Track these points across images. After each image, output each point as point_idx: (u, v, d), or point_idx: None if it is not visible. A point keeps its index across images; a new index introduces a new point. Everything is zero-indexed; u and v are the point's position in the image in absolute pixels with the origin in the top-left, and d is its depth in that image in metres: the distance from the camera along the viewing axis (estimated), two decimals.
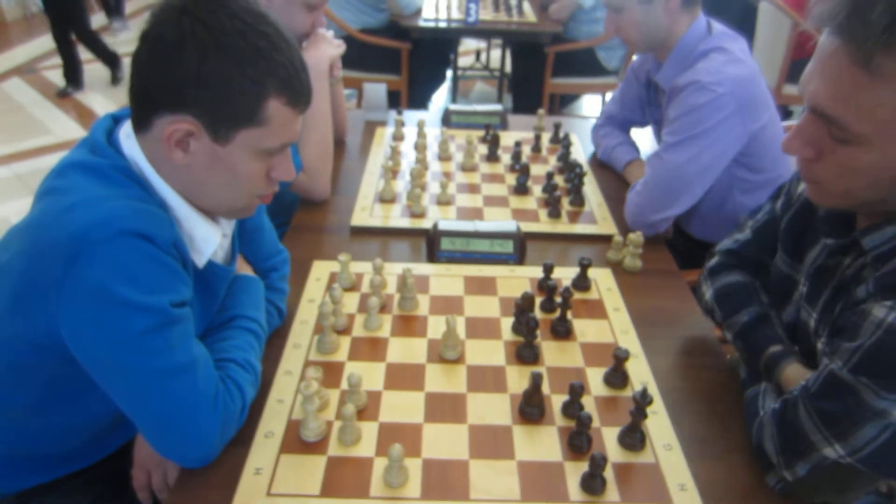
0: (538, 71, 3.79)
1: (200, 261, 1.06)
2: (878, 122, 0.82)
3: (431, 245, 1.53)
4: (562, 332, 1.30)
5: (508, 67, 4.57)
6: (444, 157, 2.00)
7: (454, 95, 4.70)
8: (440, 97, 4.83)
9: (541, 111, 2.23)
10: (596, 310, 1.39)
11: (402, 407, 1.12)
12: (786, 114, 4.10)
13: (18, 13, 6.51)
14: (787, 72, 3.68)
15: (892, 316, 0.82)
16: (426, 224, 1.64)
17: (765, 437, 0.99)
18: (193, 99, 0.92)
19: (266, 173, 1.02)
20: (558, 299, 1.31)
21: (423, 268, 1.49)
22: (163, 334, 0.92)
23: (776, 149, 1.65)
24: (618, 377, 1.18)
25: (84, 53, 4.83)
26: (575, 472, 1.01)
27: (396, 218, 1.69)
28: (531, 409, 1.11)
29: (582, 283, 1.44)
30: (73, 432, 1.14)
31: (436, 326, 1.30)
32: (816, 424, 0.90)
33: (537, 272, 1.46)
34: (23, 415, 1.09)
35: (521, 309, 1.29)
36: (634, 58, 2.03)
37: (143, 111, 0.96)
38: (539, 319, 1.26)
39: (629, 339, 1.30)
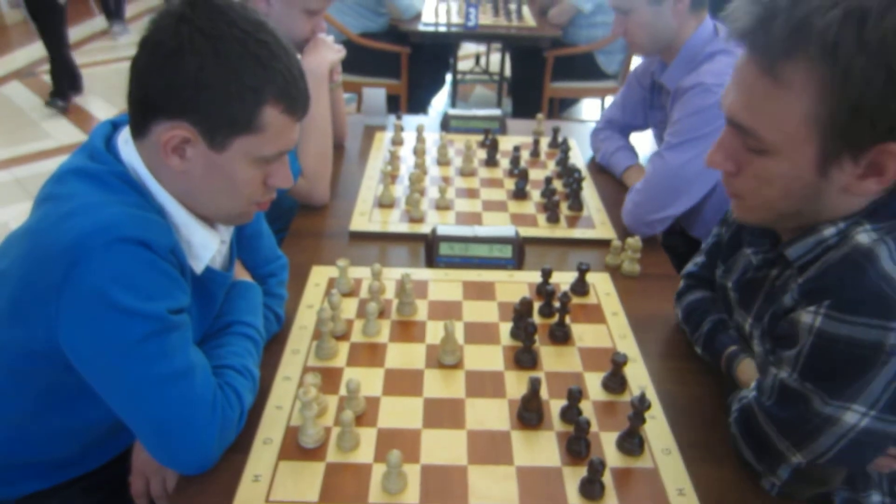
0: (538, 75, 3.79)
1: (198, 267, 1.06)
2: (786, 130, 0.86)
3: (430, 250, 1.53)
4: (560, 336, 1.30)
5: (508, 71, 4.58)
6: (443, 161, 2.01)
7: (454, 99, 4.70)
8: (440, 101, 4.83)
9: (539, 116, 2.23)
10: (594, 314, 1.39)
11: (401, 413, 1.12)
12: None
13: (18, 17, 6.51)
14: None
15: (819, 320, 0.86)
16: (425, 229, 1.64)
17: (740, 448, 1.02)
18: (190, 106, 0.92)
19: (263, 180, 1.02)
20: (557, 304, 1.31)
21: (421, 273, 1.49)
22: (161, 341, 0.92)
23: None
24: (616, 382, 1.18)
25: (81, 57, 4.78)
26: (573, 477, 1.01)
27: (395, 223, 1.69)
28: (530, 414, 1.11)
29: (580, 287, 1.44)
30: (72, 438, 1.14)
31: (434, 332, 1.30)
32: (776, 433, 0.94)
33: (536, 277, 1.46)
34: (22, 421, 1.09)
35: (520, 314, 1.29)
36: (637, 62, 2.03)
37: (140, 117, 0.96)
38: (537, 324, 1.27)
39: (627, 344, 1.30)
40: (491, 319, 1.36)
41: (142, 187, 1.00)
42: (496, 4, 4.01)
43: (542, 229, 1.69)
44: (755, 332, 1.06)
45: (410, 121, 2.30)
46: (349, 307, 1.37)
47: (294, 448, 1.04)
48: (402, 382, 1.18)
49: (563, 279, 1.47)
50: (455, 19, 3.75)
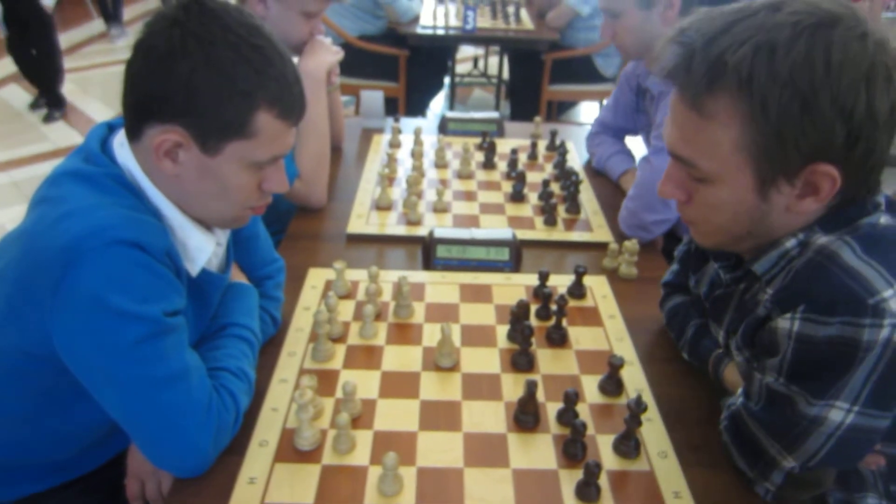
0: (536, 78, 3.80)
1: (194, 269, 1.06)
2: (720, 158, 0.91)
3: (427, 252, 1.53)
4: (557, 339, 1.30)
5: (506, 74, 4.59)
6: (440, 164, 2.01)
7: (452, 102, 4.70)
8: (438, 104, 4.83)
9: (537, 119, 2.23)
10: (591, 317, 1.39)
11: (397, 415, 1.12)
12: None
13: None
14: None
15: (797, 325, 0.88)
16: (422, 231, 1.64)
17: (732, 455, 1.02)
18: (182, 110, 0.92)
19: (257, 185, 1.02)
20: (554, 307, 1.31)
21: (418, 275, 1.49)
22: (156, 343, 0.92)
23: None
24: (613, 385, 1.18)
25: (79, 59, 4.75)
26: (570, 479, 1.01)
27: (392, 225, 1.69)
28: (526, 416, 1.11)
29: (577, 290, 1.44)
30: (69, 441, 1.13)
31: (431, 334, 1.30)
32: (765, 438, 0.95)
33: (533, 280, 1.46)
34: (17, 423, 1.08)
35: (517, 316, 1.29)
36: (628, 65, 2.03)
37: (134, 121, 0.96)
38: (534, 327, 1.27)
39: (624, 347, 1.30)
40: (488, 322, 1.35)
41: (137, 190, 0.99)
42: (494, 7, 4.02)
43: (540, 232, 1.69)
44: (731, 344, 1.08)
45: (408, 123, 2.30)
46: (346, 309, 1.37)
47: (290, 450, 1.04)
48: (399, 385, 1.18)
49: (561, 282, 1.47)
50: (453, 22, 3.76)
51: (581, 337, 1.32)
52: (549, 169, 2.03)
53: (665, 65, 0.92)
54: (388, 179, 1.85)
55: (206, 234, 1.06)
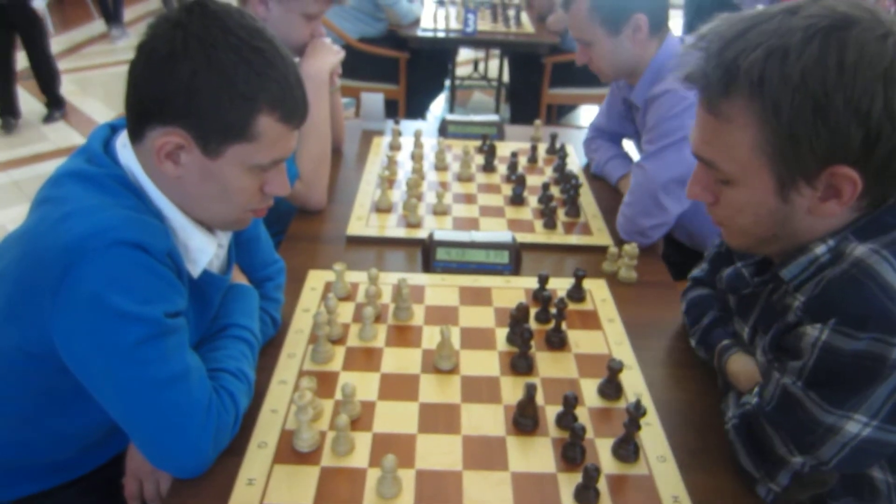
0: (536, 81, 3.81)
1: (195, 271, 1.06)
2: (739, 161, 0.92)
3: (427, 255, 1.53)
4: (556, 342, 1.30)
5: (506, 77, 4.59)
6: (440, 167, 2.01)
7: (452, 105, 4.71)
8: (438, 106, 4.84)
9: (537, 122, 2.24)
10: (590, 321, 1.39)
11: (396, 417, 1.12)
12: None
13: None
14: None
15: (825, 334, 0.88)
16: (422, 234, 1.64)
17: (738, 455, 1.02)
18: (183, 112, 0.92)
19: (259, 188, 1.03)
20: (553, 310, 1.31)
21: (418, 278, 1.49)
22: (157, 345, 0.92)
23: None
24: (612, 388, 1.18)
25: (80, 60, 4.73)
26: (568, 483, 1.01)
27: (392, 228, 1.69)
28: (525, 420, 1.11)
29: (577, 293, 1.44)
30: (68, 441, 1.13)
31: (430, 337, 1.30)
32: (779, 439, 0.95)
33: (532, 283, 1.46)
34: (17, 423, 1.08)
35: (516, 319, 1.29)
36: None
37: (136, 122, 0.97)
38: (534, 330, 1.27)
39: (623, 351, 1.30)
40: (487, 325, 1.36)
41: (139, 191, 1.00)
42: (495, 10, 4.02)
43: (539, 235, 1.70)
44: (757, 342, 1.08)
45: (408, 126, 2.30)
46: (345, 311, 1.37)
47: (289, 452, 1.04)
48: (398, 387, 1.18)
49: (560, 285, 1.48)
50: (454, 25, 3.77)
51: (580, 340, 1.32)
52: (548, 172, 2.04)
53: (686, 70, 0.94)
54: (388, 182, 1.85)
55: (207, 235, 1.06)
